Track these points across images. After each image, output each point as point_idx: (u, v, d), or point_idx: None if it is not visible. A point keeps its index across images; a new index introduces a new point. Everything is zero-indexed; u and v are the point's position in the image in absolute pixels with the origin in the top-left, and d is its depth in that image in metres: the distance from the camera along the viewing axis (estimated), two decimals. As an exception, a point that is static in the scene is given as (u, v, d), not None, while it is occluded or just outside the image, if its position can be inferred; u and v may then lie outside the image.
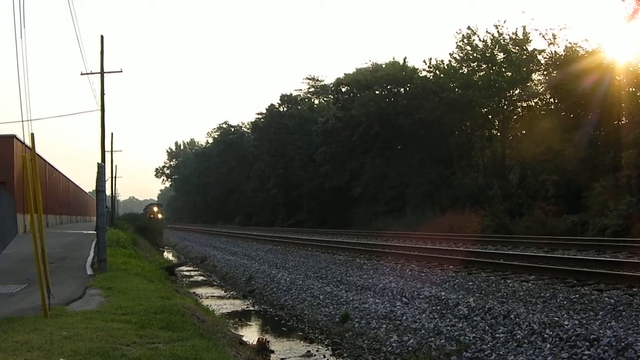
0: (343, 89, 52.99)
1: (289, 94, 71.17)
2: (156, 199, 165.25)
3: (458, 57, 38.75)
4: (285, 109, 70.12)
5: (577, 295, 9.30)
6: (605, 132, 28.74)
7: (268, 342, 10.25)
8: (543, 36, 33.07)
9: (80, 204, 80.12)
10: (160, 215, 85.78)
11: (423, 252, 17.54)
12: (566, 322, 7.85)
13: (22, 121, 10.57)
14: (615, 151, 26.75)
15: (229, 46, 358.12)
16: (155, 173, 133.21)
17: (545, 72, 34.08)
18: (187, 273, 24.98)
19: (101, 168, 13.74)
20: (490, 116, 39.12)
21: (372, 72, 49.09)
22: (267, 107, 71.88)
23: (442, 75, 39.67)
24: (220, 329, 8.91)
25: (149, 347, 5.96)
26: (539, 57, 34.84)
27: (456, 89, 38.31)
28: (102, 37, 30.81)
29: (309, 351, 10.00)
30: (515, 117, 37.84)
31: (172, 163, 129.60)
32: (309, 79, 72.57)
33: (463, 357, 8.18)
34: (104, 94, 30.28)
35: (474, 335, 8.68)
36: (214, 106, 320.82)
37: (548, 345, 7.49)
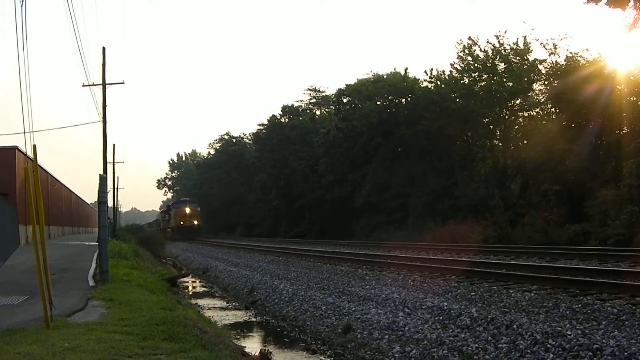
0: (344, 100, 53.08)
1: (290, 104, 71.36)
2: (158, 210, 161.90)
3: (459, 68, 38.85)
4: (286, 120, 70.22)
5: (579, 305, 9.28)
6: (606, 141, 28.73)
7: (270, 353, 10.23)
8: (544, 46, 33.17)
9: (82, 215, 79.99)
10: (196, 222, 62.14)
11: (425, 263, 17.51)
12: (569, 332, 7.83)
13: (24, 132, 10.62)
14: (617, 160, 26.73)
15: (231, 58, 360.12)
16: (157, 184, 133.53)
17: (546, 82, 34.12)
18: (189, 284, 24.94)
19: (103, 179, 13.79)
20: (491, 126, 39.14)
21: (373, 82, 49.17)
22: (268, 118, 72.00)
23: (443, 86, 39.71)
24: (223, 340, 8.90)
25: (151, 358, 5.96)
26: (540, 67, 34.92)
27: (457, 99, 38.36)
28: (103, 49, 31.11)
29: (311, 362, 9.97)
30: (516, 127, 37.88)
31: (174, 174, 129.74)
32: (310, 89, 72.84)
33: (466, 367, 8.15)
34: (105, 106, 30.54)
35: (476, 345, 8.65)
36: (215, 117, 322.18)
37: (551, 355, 7.47)
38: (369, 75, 51.17)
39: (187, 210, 60.25)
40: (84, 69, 61.18)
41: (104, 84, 30.51)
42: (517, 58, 36.46)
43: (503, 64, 36.93)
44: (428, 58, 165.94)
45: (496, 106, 36.92)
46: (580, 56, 30.69)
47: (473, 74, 38.24)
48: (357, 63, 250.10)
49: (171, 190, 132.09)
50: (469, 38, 37.87)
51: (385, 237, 35.86)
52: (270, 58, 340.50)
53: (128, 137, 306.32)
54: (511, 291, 11.31)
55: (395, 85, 46.13)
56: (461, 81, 38.92)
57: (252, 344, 11.68)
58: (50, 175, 47.30)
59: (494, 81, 36.81)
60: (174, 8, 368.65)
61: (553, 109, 34.39)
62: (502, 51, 36.74)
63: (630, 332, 7.60)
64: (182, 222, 58.57)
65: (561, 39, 32.23)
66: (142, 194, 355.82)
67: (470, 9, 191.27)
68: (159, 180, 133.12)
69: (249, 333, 13.40)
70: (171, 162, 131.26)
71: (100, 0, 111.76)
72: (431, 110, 38.96)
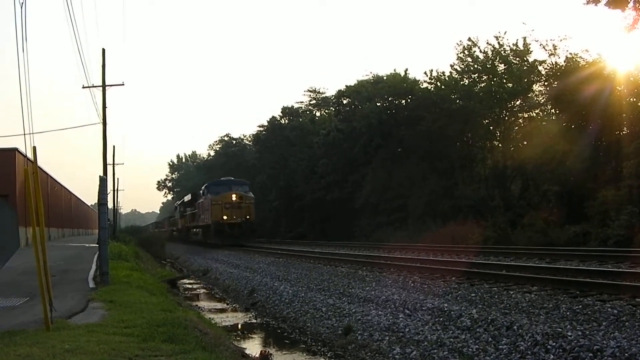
0: (344, 101, 53.08)
1: (290, 106, 71.25)
2: (158, 211, 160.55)
3: (459, 69, 38.84)
4: (286, 121, 70.16)
5: (580, 306, 9.27)
6: (606, 142, 28.73)
7: (270, 354, 10.24)
8: (543, 47, 33.13)
9: (82, 217, 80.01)
10: (248, 217, 39.46)
11: (425, 264, 17.51)
12: (569, 333, 7.83)
13: (24, 134, 10.62)
14: (617, 161, 26.74)
15: (230, 59, 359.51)
16: (157, 186, 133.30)
17: (546, 83, 34.11)
18: (190, 286, 24.93)
19: (103, 181, 13.79)
20: (491, 127, 39.16)
21: (373, 83, 49.16)
22: (268, 120, 71.86)
23: (443, 87, 39.69)
24: (223, 341, 8.90)
25: (152, 360, 5.96)
26: (540, 67, 34.89)
27: (457, 100, 38.36)
28: (103, 50, 31.16)
29: (311, 364, 9.97)
30: (516, 127, 37.90)
31: (174, 176, 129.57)
32: (310, 91, 72.72)
33: (466, 368, 8.15)
34: (105, 107, 30.56)
35: (477, 347, 8.64)
36: (215, 119, 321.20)
37: (551, 357, 7.47)
38: (369, 77, 51.15)
39: (234, 197, 37.88)
40: (84, 71, 61.31)
41: (103, 86, 30.57)
42: (517, 59, 36.46)
43: (503, 65, 36.93)
44: (428, 59, 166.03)
45: (496, 107, 36.93)
46: (580, 57, 30.70)
47: (473, 75, 38.25)
48: (357, 64, 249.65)
49: (171, 192, 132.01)
50: (469, 39, 37.88)
51: (386, 238, 35.83)
52: (270, 59, 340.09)
53: (128, 139, 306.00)
54: (511, 292, 11.30)
55: (395, 86, 46.11)
56: (461, 82, 38.91)
57: (253, 346, 11.69)
58: (50, 177, 47.31)
59: (494, 82, 36.81)
60: (173, 9, 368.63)
61: (553, 110, 34.38)
62: (502, 52, 36.73)
63: (630, 333, 7.60)
64: (225, 217, 37.61)
65: (561, 40, 32.21)
66: (142, 195, 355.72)
67: (470, 10, 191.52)
68: (159, 182, 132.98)
69: (250, 335, 13.41)
70: (171, 163, 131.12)
71: (99, 1, 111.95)
72: (431, 111, 38.96)
